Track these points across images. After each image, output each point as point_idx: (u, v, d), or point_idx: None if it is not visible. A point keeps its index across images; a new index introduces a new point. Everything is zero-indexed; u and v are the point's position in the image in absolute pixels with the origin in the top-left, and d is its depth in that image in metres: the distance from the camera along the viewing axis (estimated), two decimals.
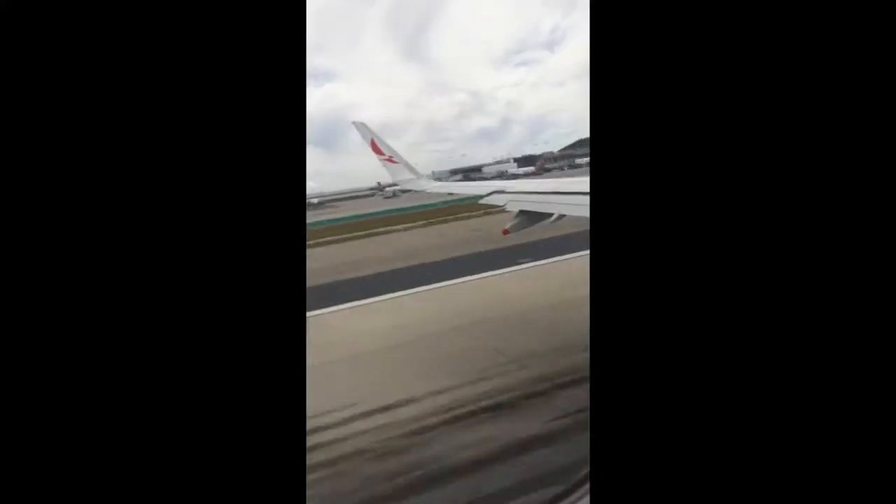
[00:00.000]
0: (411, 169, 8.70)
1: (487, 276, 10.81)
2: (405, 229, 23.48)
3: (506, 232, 5.53)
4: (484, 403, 5.10)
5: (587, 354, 1.21)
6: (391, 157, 8.57)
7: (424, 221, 25.12)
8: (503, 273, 10.97)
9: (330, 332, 8.17)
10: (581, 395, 4.91)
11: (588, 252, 1.33)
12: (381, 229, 23.84)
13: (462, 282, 10.62)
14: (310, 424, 4.84)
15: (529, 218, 5.49)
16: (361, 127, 8.56)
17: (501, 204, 5.92)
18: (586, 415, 1.17)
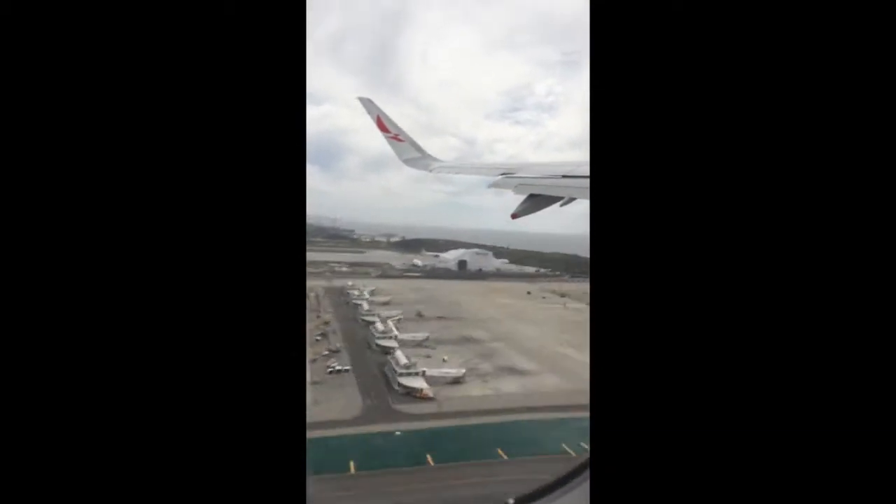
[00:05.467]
0: (417, 147, 8.54)
1: None
2: None
3: (515, 216, 5.45)
4: None
5: None
6: (397, 135, 8.40)
7: None
8: None
9: None
10: None
11: None
12: None
13: None
14: None
15: (538, 202, 5.39)
16: (367, 103, 8.38)
17: (510, 188, 5.80)
18: None
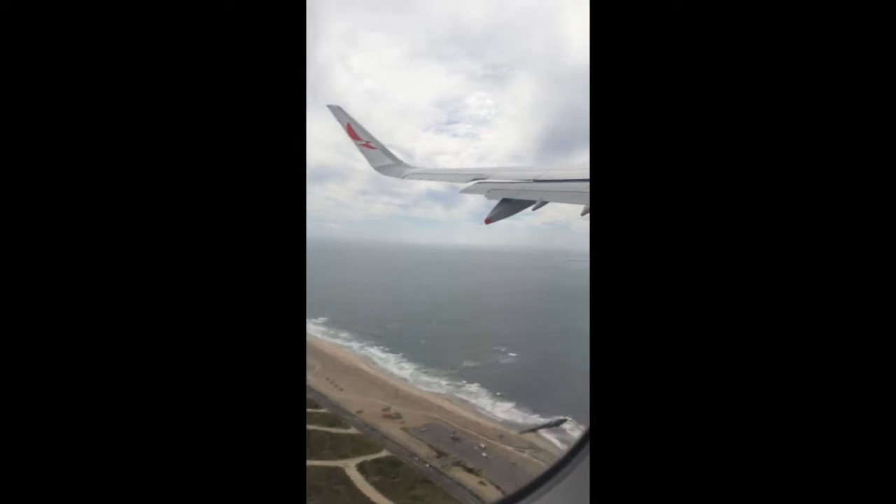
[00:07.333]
0: (389, 154, 8.51)
1: None
2: None
3: (488, 221, 5.50)
4: None
5: None
6: (368, 142, 8.35)
7: None
8: None
9: None
10: None
11: None
12: None
13: None
14: None
15: (511, 206, 5.46)
16: (337, 110, 8.30)
17: (483, 193, 5.84)
18: None
